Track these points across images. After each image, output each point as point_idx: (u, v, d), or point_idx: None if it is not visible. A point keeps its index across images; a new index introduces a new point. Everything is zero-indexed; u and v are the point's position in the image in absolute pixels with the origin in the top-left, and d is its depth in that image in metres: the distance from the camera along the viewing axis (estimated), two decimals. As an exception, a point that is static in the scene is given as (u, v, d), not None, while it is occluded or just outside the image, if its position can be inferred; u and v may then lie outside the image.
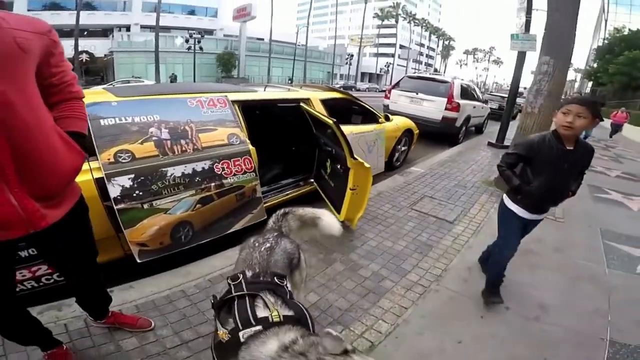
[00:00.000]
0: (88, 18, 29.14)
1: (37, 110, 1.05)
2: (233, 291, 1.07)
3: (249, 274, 1.15)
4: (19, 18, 1.04)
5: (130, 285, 1.99)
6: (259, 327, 0.93)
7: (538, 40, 5.02)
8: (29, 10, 27.54)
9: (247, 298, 1.04)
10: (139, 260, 2.02)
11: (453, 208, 3.60)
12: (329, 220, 1.49)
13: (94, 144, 1.92)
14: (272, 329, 0.93)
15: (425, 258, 2.60)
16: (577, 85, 53.48)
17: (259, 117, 3.69)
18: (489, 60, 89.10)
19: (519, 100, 10.44)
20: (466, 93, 7.67)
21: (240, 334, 0.93)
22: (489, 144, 7.32)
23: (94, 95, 2.42)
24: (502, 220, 2.12)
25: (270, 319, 0.96)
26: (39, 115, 1.05)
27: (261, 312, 1.00)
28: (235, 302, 1.04)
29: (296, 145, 4.09)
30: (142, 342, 1.61)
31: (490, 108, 10.58)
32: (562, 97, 4.42)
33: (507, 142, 6.82)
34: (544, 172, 1.82)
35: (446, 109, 6.97)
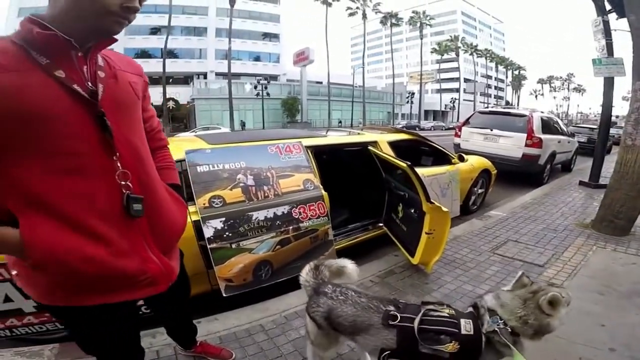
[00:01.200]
0: (171, 65, 31.84)
1: (152, 163, 1.03)
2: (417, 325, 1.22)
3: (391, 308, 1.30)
4: (118, 57, 0.97)
5: (215, 318, 2.15)
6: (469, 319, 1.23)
7: (626, 63, 4.53)
8: None
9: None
10: (225, 295, 2.18)
11: (543, 252, 3.24)
12: (351, 268, 1.59)
13: (192, 189, 2.19)
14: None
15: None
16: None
17: (326, 161, 3.83)
18: (568, 89, 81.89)
19: (612, 131, 9.24)
20: (548, 126, 7.04)
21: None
22: (581, 183, 6.46)
23: (190, 142, 2.78)
24: None
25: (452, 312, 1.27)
26: (154, 169, 1.03)
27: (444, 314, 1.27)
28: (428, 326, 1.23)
29: (364, 189, 4.11)
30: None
31: (578, 142, 9.50)
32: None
33: (603, 180, 5.99)
34: None
35: (526, 145, 6.41)
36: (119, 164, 0.86)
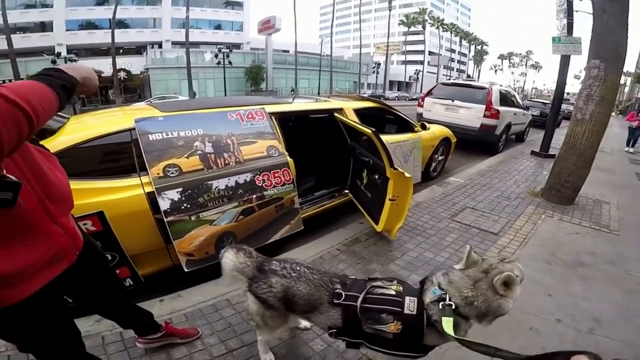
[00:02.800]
0: (122, 36, 30.09)
1: None
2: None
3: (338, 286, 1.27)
4: None
5: (178, 295, 2.06)
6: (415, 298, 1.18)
7: (584, 43, 4.73)
8: (67, 30, 29.51)
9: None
10: (186, 270, 2.09)
11: (497, 219, 3.43)
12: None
13: (144, 159, 2.02)
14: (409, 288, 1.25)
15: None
16: (627, 90, 49.55)
17: (292, 128, 3.72)
18: (526, 65, 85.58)
19: (562, 106, 9.84)
20: (505, 99, 7.35)
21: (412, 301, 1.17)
22: (533, 152, 6.96)
23: (141, 111, 2.55)
24: None
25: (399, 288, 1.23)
26: None
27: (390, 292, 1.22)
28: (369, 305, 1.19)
29: (329, 156, 4.08)
30: (191, 350, 1.65)
31: (532, 115, 10.06)
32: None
33: (552, 151, 6.42)
34: None
35: (485, 116, 6.69)
36: None
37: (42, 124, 0.73)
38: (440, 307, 1.08)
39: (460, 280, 1.13)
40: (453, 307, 1.07)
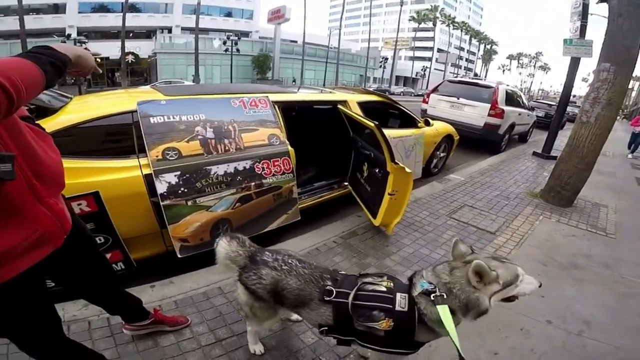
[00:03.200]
0: (133, 20, 30.06)
1: None
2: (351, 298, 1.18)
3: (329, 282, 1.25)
4: None
5: (170, 281, 2.06)
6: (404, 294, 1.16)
7: (595, 46, 4.67)
8: (79, 12, 29.45)
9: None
10: (179, 255, 2.08)
11: (495, 219, 3.43)
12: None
13: (144, 141, 2.01)
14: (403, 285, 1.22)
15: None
16: (634, 94, 49.03)
17: (295, 118, 3.70)
18: (534, 66, 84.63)
19: (567, 108, 9.75)
20: (511, 99, 7.30)
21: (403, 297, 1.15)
22: (534, 153, 6.92)
23: (144, 93, 2.54)
24: None
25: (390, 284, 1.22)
26: None
27: (381, 288, 1.21)
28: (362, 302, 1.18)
29: (331, 148, 4.07)
30: (179, 338, 1.64)
31: (537, 116, 9.98)
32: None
33: (554, 153, 6.39)
34: None
35: (489, 115, 6.65)
36: None
37: (26, 101, 0.71)
38: (432, 298, 1.07)
39: (442, 270, 1.14)
40: (444, 296, 1.06)
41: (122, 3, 25.84)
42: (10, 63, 0.69)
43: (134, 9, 31.63)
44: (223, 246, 1.37)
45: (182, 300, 1.91)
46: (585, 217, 3.74)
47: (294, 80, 35.77)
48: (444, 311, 1.02)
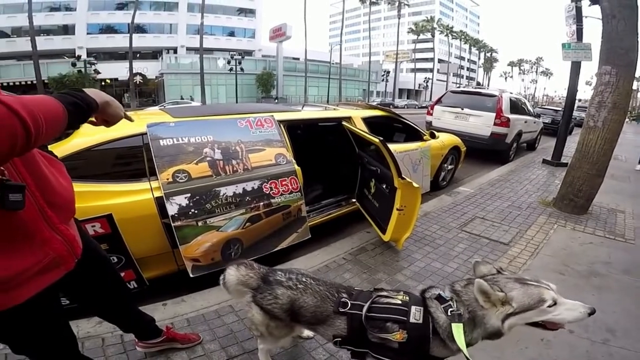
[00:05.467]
0: (139, 40, 30.82)
1: None
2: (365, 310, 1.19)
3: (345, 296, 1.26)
4: None
5: (182, 299, 2.07)
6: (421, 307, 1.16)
7: (594, 49, 4.68)
8: (88, 33, 30.65)
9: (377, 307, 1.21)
10: (191, 275, 2.09)
11: (508, 229, 3.37)
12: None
13: (154, 164, 2.05)
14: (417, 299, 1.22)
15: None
16: (640, 95, 48.54)
17: (300, 136, 3.74)
18: (536, 72, 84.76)
19: (574, 113, 9.70)
20: (516, 107, 7.25)
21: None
22: (544, 161, 6.83)
23: (154, 115, 2.60)
24: None
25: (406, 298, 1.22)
26: None
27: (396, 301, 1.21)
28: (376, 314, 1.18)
29: (337, 165, 4.08)
30: (191, 355, 1.64)
31: (543, 122, 9.91)
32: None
33: (564, 159, 6.32)
34: None
35: (495, 124, 6.61)
36: None
37: (45, 140, 0.71)
38: (449, 314, 1.09)
39: (461, 289, 1.16)
40: (461, 313, 1.08)
41: (129, 24, 26.70)
42: (34, 99, 0.70)
43: (140, 29, 32.53)
44: (232, 274, 1.38)
45: (194, 318, 1.92)
46: (602, 224, 3.66)
47: (276, 99, 34.76)
48: (457, 330, 1.03)
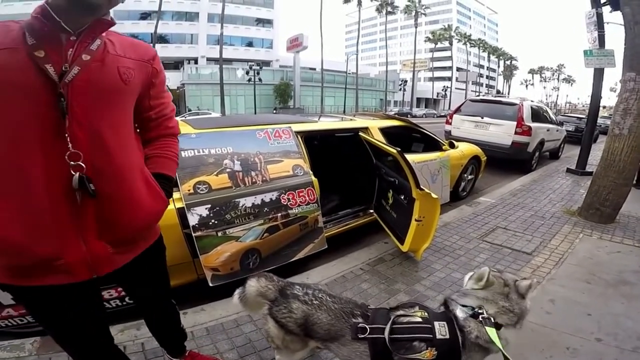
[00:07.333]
0: (161, 51, 31.15)
1: (128, 150, 0.98)
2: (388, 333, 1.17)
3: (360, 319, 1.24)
4: (125, 41, 0.98)
5: (202, 308, 2.10)
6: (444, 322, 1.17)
7: (617, 55, 4.55)
8: None
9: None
10: (211, 284, 2.13)
11: (531, 239, 3.27)
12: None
13: (176, 175, 2.11)
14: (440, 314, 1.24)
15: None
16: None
17: (317, 146, 3.77)
18: (558, 79, 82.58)
19: (599, 120, 9.36)
20: (537, 115, 7.09)
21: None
22: (568, 170, 6.60)
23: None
24: None
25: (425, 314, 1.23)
26: (128, 156, 0.98)
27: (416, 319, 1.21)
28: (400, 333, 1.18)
29: (355, 175, 4.09)
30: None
31: (566, 131, 9.63)
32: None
33: (589, 168, 6.09)
34: None
35: (516, 133, 6.47)
36: (69, 145, 0.82)
37: None
38: (480, 320, 1.13)
39: (486, 294, 1.23)
40: (492, 319, 1.13)
41: (152, 34, 27.66)
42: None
43: (162, 39, 33.49)
44: (253, 284, 1.40)
45: (213, 327, 1.94)
46: (631, 233, 3.50)
47: (275, 109, 35.08)
48: (492, 333, 1.09)
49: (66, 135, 0.82)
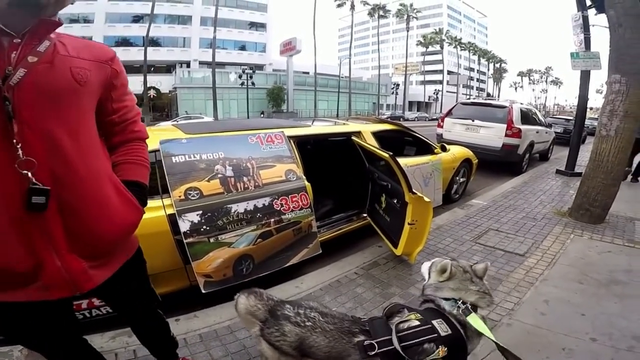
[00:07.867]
0: (153, 54, 31.27)
1: (91, 156, 0.93)
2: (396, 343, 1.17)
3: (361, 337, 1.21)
4: (78, 43, 0.94)
5: (194, 315, 2.07)
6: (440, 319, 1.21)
7: (603, 57, 4.65)
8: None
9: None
10: (203, 291, 2.09)
11: (523, 241, 3.31)
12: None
13: (167, 181, 2.09)
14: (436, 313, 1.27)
15: (494, 292, 2.39)
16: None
17: (310, 151, 3.77)
18: (546, 82, 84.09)
19: (587, 122, 9.54)
20: (527, 117, 7.22)
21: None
22: (558, 171, 6.71)
23: (166, 132, 2.65)
24: None
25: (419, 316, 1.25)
26: (93, 163, 0.93)
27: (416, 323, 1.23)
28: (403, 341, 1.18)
29: (348, 180, 4.09)
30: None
31: (555, 132, 9.81)
32: None
33: (578, 169, 6.19)
34: None
35: (506, 135, 6.57)
36: (20, 153, 0.77)
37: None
38: (459, 310, 1.21)
39: (462, 283, 1.30)
40: (469, 306, 1.22)
41: (144, 37, 27.29)
42: None
43: (154, 43, 33.04)
44: (242, 302, 1.36)
45: (207, 334, 1.91)
46: (620, 232, 3.57)
47: (262, 113, 35.01)
48: (474, 319, 1.18)
49: (14, 140, 0.77)
